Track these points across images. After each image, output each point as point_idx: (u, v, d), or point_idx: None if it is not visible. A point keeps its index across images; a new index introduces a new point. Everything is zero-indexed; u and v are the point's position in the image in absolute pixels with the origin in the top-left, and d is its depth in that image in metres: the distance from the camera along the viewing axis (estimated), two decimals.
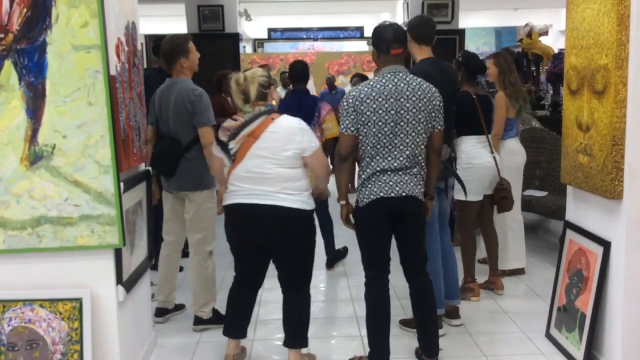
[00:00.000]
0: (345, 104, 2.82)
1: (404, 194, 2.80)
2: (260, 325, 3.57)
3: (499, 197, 3.92)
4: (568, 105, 3.01)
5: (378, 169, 2.81)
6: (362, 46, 15.46)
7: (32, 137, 2.40)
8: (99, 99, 2.39)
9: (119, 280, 2.56)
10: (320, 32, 15.43)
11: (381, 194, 2.80)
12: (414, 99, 2.77)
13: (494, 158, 3.87)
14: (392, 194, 2.80)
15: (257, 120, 2.82)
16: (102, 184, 2.44)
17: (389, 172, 2.81)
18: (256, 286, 3.05)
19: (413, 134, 2.79)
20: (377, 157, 2.81)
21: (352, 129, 2.80)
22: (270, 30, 15.17)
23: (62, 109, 2.39)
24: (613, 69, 2.54)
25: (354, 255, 4.19)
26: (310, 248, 2.98)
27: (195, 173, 3.42)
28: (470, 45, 14.67)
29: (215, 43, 8.12)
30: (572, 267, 3.06)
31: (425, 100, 2.79)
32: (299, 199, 2.84)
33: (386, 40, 2.83)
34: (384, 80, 2.79)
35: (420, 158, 2.84)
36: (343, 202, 2.98)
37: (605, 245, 2.76)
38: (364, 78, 8.35)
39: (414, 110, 2.77)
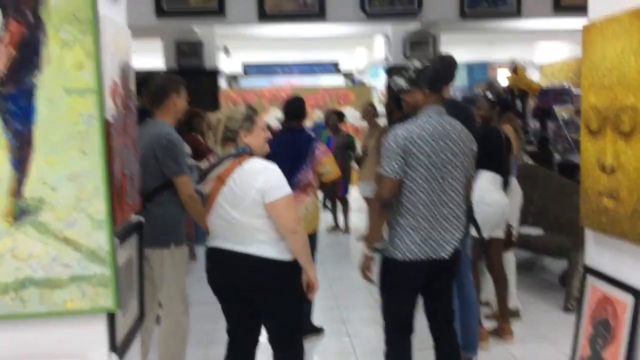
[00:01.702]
0: (393, 144, 2.64)
1: (450, 256, 2.62)
2: None
3: (509, 239, 3.78)
4: (588, 146, 2.87)
5: (427, 217, 2.62)
6: (338, 81, 15.45)
7: (17, 190, 2.15)
8: (93, 147, 2.16)
9: (112, 347, 2.30)
10: (295, 67, 15.38)
11: (429, 255, 2.60)
12: (459, 142, 2.66)
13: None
14: (440, 256, 2.61)
15: (223, 164, 2.64)
16: (96, 241, 2.19)
17: (434, 224, 2.62)
18: (249, 346, 2.80)
19: (460, 178, 2.65)
20: (424, 204, 2.62)
21: (400, 172, 2.62)
22: (245, 66, 15.06)
23: (52, 159, 2.15)
24: None
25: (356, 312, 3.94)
26: (290, 302, 2.75)
27: (157, 228, 3.16)
28: None
29: (194, 80, 7.94)
30: (596, 315, 2.89)
31: (468, 143, 2.68)
32: (273, 249, 2.64)
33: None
34: (432, 121, 2.65)
35: (465, 204, 2.69)
36: (371, 255, 2.76)
37: (636, 294, 2.60)
38: (339, 113, 8.23)
39: (460, 155, 2.65)
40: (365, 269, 2.78)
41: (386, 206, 2.68)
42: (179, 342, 3.26)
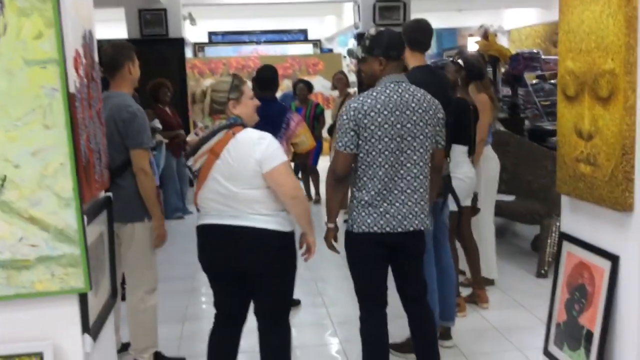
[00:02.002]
0: (345, 118, 2.56)
1: (408, 229, 2.57)
2: None
3: (474, 206, 3.77)
4: (564, 112, 2.85)
5: (382, 191, 2.56)
6: (307, 49, 15.24)
7: None
8: (57, 120, 2.05)
9: (85, 328, 2.22)
10: (263, 35, 15.11)
11: (384, 229, 2.55)
12: (420, 111, 2.55)
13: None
14: (397, 230, 2.56)
15: (216, 136, 2.55)
16: (63, 220, 2.09)
17: (391, 199, 2.56)
18: (239, 323, 2.75)
19: (421, 150, 2.57)
20: (380, 177, 2.56)
21: (352, 146, 2.55)
22: (211, 34, 14.73)
23: (13, 134, 2.03)
24: (621, 74, 2.39)
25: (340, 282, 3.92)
26: (290, 274, 2.71)
27: (127, 202, 3.08)
28: None
29: (158, 49, 7.73)
30: (572, 281, 2.91)
31: (430, 112, 2.59)
32: (273, 220, 2.57)
33: (399, 46, 2.60)
34: (387, 91, 2.56)
35: (426, 177, 2.62)
36: (331, 225, 2.72)
37: (613, 259, 2.61)
38: (308, 83, 8.08)
39: (421, 124, 2.56)
40: (328, 240, 2.74)
41: (340, 180, 2.63)
42: (150, 318, 3.20)
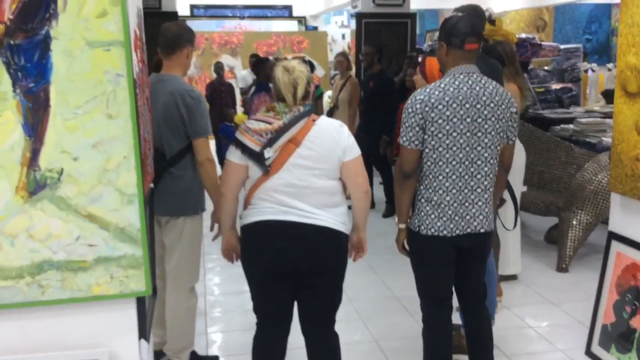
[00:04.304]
0: (410, 110, 2.40)
1: (478, 231, 2.45)
2: None
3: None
4: (623, 109, 2.76)
5: (451, 190, 2.43)
6: (292, 26, 14.95)
7: (32, 160, 1.84)
8: (121, 110, 1.86)
9: (141, 333, 2.06)
10: (246, 10, 14.74)
11: (453, 232, 2.43)
12: (492, 105, 2.41)
13: None
14: (467, 231, 2.44)
15: (299, 123, 2.35)
16: (125, 218, 1.91)
17: (461, 198, 2.43)
18: (286, 330, 2.59)
19: (491, 147, 2.43)
20: (448, 175, 2.43)
21: (417, 142, 2.41)
22: (192, 7, 14.30)
23: (73, 124, 1.84)
24: None
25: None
26: (343, 277, 2.58)
27: (183, 194, 2.87)
28: None
29: (151, 22, 7.40)
30: (622, 282, 2.85)
31: (503, 107, 2.44)
32: (339, 220, 2.43)
33: (461, 32, 2.42)
34: (457, 83, 2.40)
35: (494, 176, 2.50)
36: (402, 226, 2.58)
37: None
38: (310, 64, 7.84)
39: (493, 119, 2.41)
40: (399, 243, 2.61)
41: (409, 176, 2.49)
42: (191, 317, 3.03)
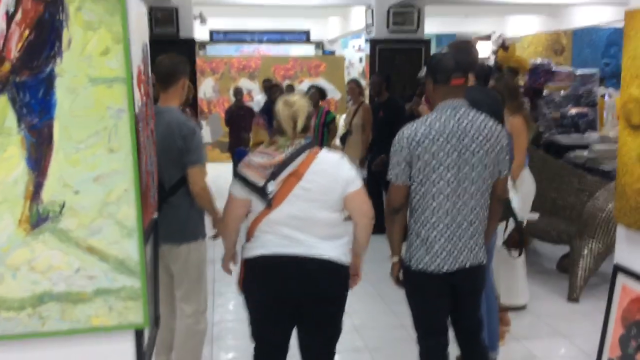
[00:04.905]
0: (397, 146, 2.43)
1: (466, 266, 2.46)
2: None
3: (516, 240, 3.59)
4: (627, 141, 2.75)
5: (438, 225, 2.43)
6: (309, 50, 15.11)
7: (35, 193, 1.88)
8: (122, 144, 1.90)
9: None
10: (264, 35, 14.94)
11: (441, 268, 2.43)
12: (480, 139, 2.42)
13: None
14: (454, 268, 2.44)
15: (300, 157, 2.39)
16: (125, 250, 1.95)
17: (448, 233, 2.44)
18: (283, 356, 2.61)
19: (479, 181, 2.43)
20: (435, 210, 2.44)
21: (404, 177, 2.42)
22: (212, 32, 14.53)
23: (75, 158, 1.89)
24: None
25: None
26: (344, 309, 2.60)
27: (182, 222, 2.94)
28: None
29: (169, 49, 7.52)
30: (628, 316, 2.81)
31: (492, 140, 2.45)
32: (341, 252, 2.45)
33: (446, 69, 2.46)
34: (443, 118, 2.43)
35: (485, 210, 2.50)
36: (395, 260, 2.59)
37: None
38: (320, 89, 7.82)
39: (481, 153, 2.42)
40: (394, 276, 2.62)
41: (397, 211, 2.52)
42: (201, 340, 3.08)
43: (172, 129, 2.84)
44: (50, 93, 1.85)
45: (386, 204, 2.56)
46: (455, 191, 2.43)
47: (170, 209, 2.87)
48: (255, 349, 2.62)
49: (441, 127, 2.40)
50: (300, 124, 2.42)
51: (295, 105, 2.44)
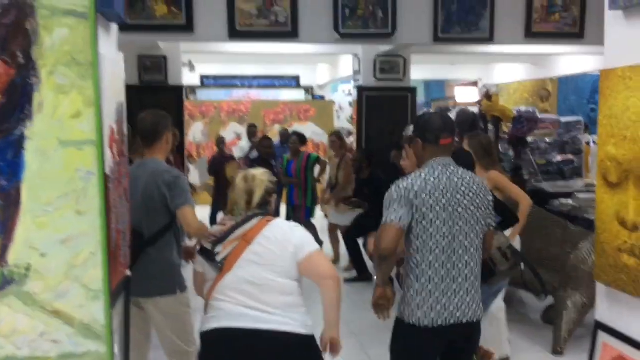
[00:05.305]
0: (394, 195, 2.44)
1: (463, 321, 2.44)
2: None
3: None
4: (604, 199, 2.76)
5: (433, 279, 2.43)
6: (299, 95, 15.26)
7: (0, 256, 1.86)
8: (91, 206, 1.89)
9: None
10: (255, 80, 15.10)
11: (437, 322, 2.41)
12: (470, 195, 2.47)
13: None
14: (450, 322, 2.43)
15: (251, 222, 2.44)
16: (90, 314, 1.92)
17: (443, 288, 2.43)
18: None
19: (472, 235, 2.47)
20: (431, 263, 2.44)
21: (405, 221, 2.41)
22: (203, 77, 14.67)
23: (43, 220, 1.87)
24: None
25: None
26: None
27: (161, 276, 2.94)
28: None
29: (157, 96, 7.59)
30: None
31: (481, 196, 2.51)
32: (300, 321, 2.41)
33: (434, 129, 2.53)
34: (436, 173, 2.47)
35: (479, 266, 2.52)
36: (380, 287, 2.54)
37: None
38: (301, 136, 7.81)
39: (472, 208, 2.47)
40: (374, 300, 2.56)
41: (385, 259, 2.48)
42: None
43: (155, 177, 2.91)
44: (19, 155, 1.84)
45: (375, 249, 2.50)
46: (451, 245, 2.45)
47: (149, 261, 2.90)
48: None
49: (436, 181, 2.45)
50: (256, 198, 2.51)
51: (255, 180, 2.53)
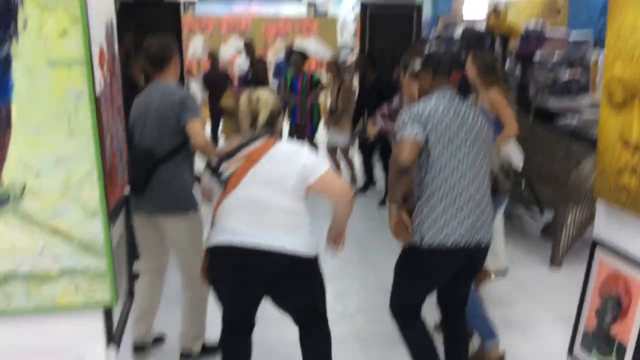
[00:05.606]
0: (407, 117, 2.46)
1: (482, 245, 2.49)
2: None
3: None
4: (608, 119, 2.72)
5: (456, 202, 2.44)
6: (301, 10, 14.83)
7: None
8: (83, 127, 1.87)
9: (109, 340, 2.09)
10: None
11: (460, 243, 2.44)
12: (477, 121, 2.52)
13: None
14: (471, 244, 2.45)
15: (257, 142, 2.43)
16: (89, 232, 1.94)
17: (467, 210, 2.46)
18: (251, 329, 2.65)
19: (488, 157, 2.51)
20: (453, 186, 2.45)
21: (422, 135, 2.41)
22: None
23: (35, 141, 1.86)
24: None
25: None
26: (321, 293, 2.61)
27: (174, 195, 2.99)
28: None
29: (153, 13, 7.36)
30: (605, 290, 2.84)
31: (485, 124, 2.57)
32: (304, 242, 2.44)
33: (448, 62, 2.60)
34: (445, 100, 2.49)
35: (488, 189, 2.58)
36: (395, 213, 2.53)
37: None
38: (302, 54, 7.64)
39: (482, 134, 2.50)
40: (393, 225, 2.51)
41: (404, 172, 2.45)
42: (202, 307, 3.16)
43: (166, 95, 2.94)
44: (7, 75, 1.81)
45: (393, 160, 2.49)
46: (470, 168, 2.47)
47: (163, 177, 2.93)
48: (223, 327, 2.63)
49: (447, 105, 2.50)
50: (261, 120, 2.48)
51: (259, 101, 2.51)
